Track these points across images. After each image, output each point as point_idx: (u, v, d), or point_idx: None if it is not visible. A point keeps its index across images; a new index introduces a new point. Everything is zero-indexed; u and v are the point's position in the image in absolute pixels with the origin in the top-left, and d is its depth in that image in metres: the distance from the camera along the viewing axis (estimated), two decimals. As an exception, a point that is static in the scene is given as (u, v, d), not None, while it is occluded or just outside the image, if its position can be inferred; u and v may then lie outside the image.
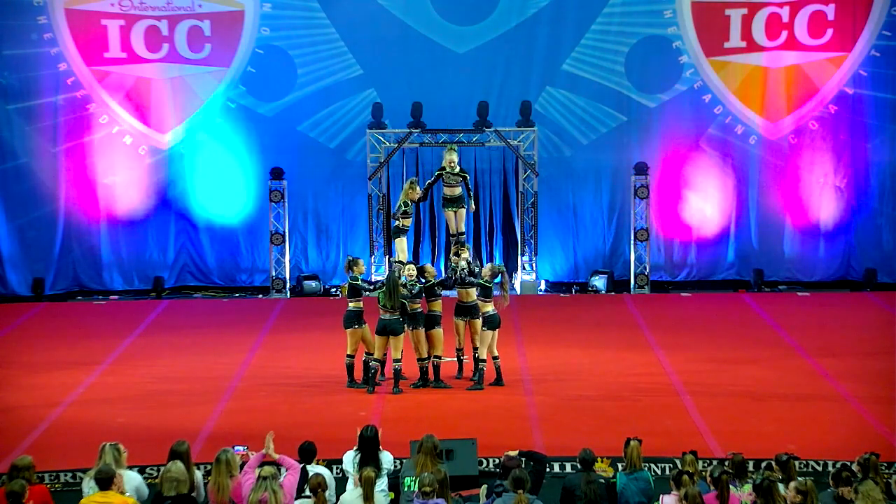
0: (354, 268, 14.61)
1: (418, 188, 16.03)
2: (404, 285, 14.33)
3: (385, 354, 14.58)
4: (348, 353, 14.68)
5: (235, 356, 16.45)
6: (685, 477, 9.39)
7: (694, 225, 21.64)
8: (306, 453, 10.23)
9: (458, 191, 16.46)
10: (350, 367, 14.72)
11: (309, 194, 21.67)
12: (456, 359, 14.98)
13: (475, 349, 14.59)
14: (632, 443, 10.14)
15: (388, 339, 14.33)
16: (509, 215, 21.71)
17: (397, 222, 16.00)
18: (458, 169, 16.32)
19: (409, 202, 15.96)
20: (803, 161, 21.41)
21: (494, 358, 14.62)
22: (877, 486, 9.17)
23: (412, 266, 14.72)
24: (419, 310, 14.51)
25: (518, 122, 20.93)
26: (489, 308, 14.54)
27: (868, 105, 21.22)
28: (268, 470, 9.26)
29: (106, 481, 9.21)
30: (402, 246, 15.76)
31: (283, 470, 9.71)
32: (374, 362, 14.53)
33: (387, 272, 15.27)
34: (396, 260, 15.64)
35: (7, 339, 18.07)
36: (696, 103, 21.35)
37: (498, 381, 14.62)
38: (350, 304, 14.62)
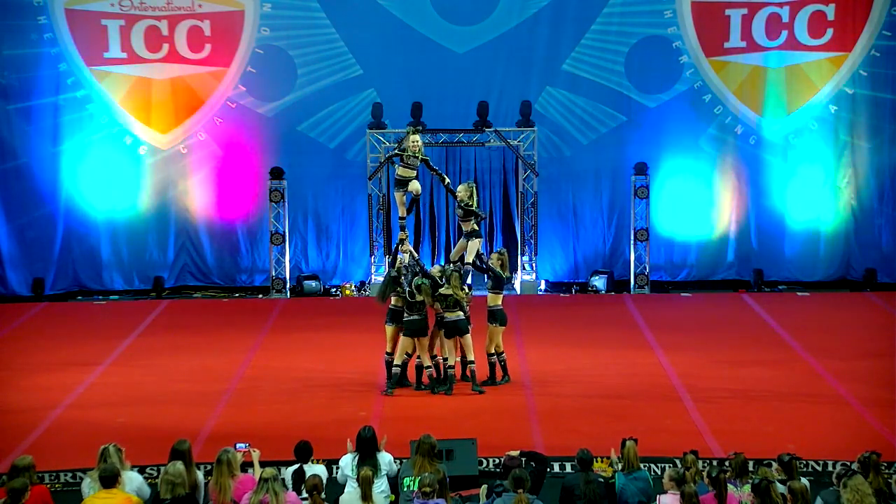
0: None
1: (419, 138, 14.70)
2: (432, 278, 14.24)
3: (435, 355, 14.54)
4: (387, 350, 14.54)
5: (235, 356, 16.44)
6: (686, 473, 9.46)
7: (694, 225, 21.65)
8: (302, 452, 10.24)
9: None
10: (388, 365, 14.54)
11: (309, 194, 21.67)
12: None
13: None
14: (628, 443, 10.15)
15: (415, 339, 14.28)
16: (509, 215, 21.73)
17: (398, 171, 14.84)
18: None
19: (406, 150, 14.63)
20: (803, 161, 21.41)
21: (490, 355, 14.66)
22: (866, 481, 9.18)
23: (440, 269, 14.57)
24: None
25: (518, 122, 20.93)
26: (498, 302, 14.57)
27: (868, 105, 21.22)
28: (269, 471, 9.26)
29: (111, 479, 9.23)
30: (401, 198, 14.96)
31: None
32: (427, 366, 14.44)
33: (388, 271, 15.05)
34: (401, 217, 14.96)
35: (7, 339, 18.06)
36: (696, 103, 21.36)
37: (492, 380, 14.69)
38: (392, 301, 14.52)
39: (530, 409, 13.77)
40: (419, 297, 14.11)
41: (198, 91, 21.27)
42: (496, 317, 14.58)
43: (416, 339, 14.26)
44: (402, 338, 14.28)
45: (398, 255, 14.58)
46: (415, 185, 14.82)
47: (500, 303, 14.65)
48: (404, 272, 14.31)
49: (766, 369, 15.47)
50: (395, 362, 14.31)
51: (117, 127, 21.22)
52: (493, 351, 14.66)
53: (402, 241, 14.65)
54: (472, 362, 14.34)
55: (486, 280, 14.93)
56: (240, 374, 15.57)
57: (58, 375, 15.52)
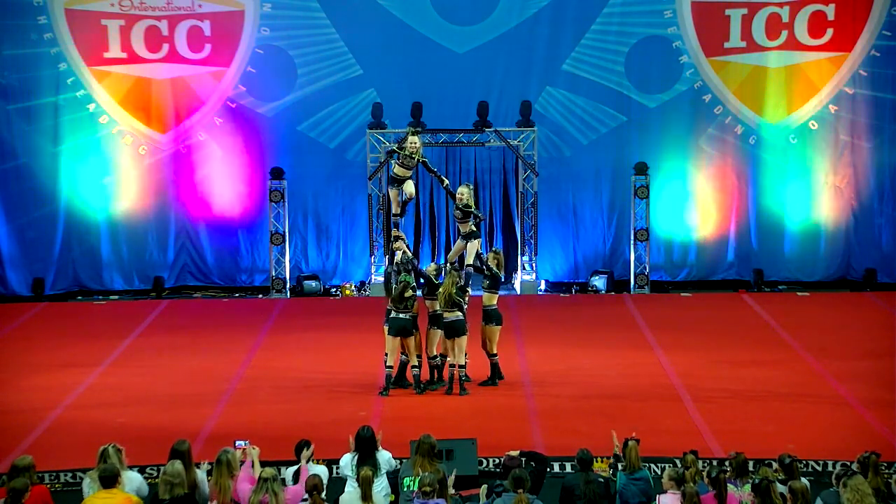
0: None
1: (417, 139, 14.66)
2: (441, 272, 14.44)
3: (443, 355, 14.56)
4: (386, 351, 14.47)
5: (235, 356, 16.45)
6: (686, 473, 9.46)
7: (694, 225, 21.65)
8: (302, 451, 10.24)
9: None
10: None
11: (309, 194, 21.67)
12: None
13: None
14: (630, 443, 10.16)
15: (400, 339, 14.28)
16: (509, 215, 21.72)
17: (394, 170, 14.79)
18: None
19: (405, 149, 14.57)
20: (803, 161, 21.42)
21: (492, 356, 14.66)
22: (866, 481, 9.18)
23: (437, 267, 14.66)
24: (439, 311, 14.37)
25: (518, 122, 20.93)
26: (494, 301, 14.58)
27: (868, 105, 21.22)
28: (268, 471, 9.26)
29: (110, 479, 9.23)
30: (395, 195, 14.94)
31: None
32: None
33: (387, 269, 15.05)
34: (394, 214, 15.04)
35: (7, 339, 18.07)
36: (696, 103, 21.36)
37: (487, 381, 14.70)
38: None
39: (530, 410, 13.77)
40: (407, 294, 14.10)
41: (198, 91, 21.26)
42: (492, 317, 14.58)
43: (399, 338, 14.22)
44: (386, 337, 14.27)
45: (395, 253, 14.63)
46: (409, 187, 14.84)
47: (495, 303, 14.66)
48: (395, 269, 14.31)
49: (766, 369, 15.47)
50: (387, 363, 14.29)
51: (117, 127, 21.22)
52: (495, 351, 14.66)
53: (395, 239, 14.66)
54: (462, 366, 14.32)
55: (482, 280, 14.92)
56: (240, 374, 15.58)
57: (58, 375, 15.52)
